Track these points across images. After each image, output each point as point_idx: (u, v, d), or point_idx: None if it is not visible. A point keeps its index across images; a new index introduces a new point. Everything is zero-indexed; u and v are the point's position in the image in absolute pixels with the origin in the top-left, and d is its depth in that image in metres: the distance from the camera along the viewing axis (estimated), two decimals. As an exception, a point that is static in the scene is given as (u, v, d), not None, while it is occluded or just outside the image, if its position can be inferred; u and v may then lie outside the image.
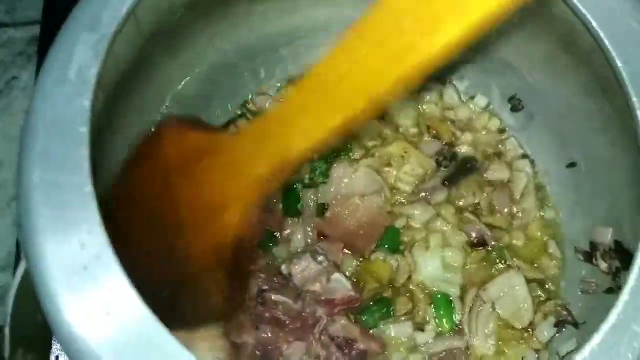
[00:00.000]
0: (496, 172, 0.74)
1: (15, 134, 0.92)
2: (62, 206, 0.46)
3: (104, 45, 0.51)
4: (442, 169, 0.74)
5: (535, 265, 0.72)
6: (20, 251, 0.80)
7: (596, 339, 0.44)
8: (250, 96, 0.78)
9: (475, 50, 0.73)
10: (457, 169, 0.73)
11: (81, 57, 0.50)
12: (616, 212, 0.66)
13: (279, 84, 0.78)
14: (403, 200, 0.73)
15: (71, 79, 0.49)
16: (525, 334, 0.68)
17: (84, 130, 0.48)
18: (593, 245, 0.69)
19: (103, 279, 0.45)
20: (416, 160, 0.73)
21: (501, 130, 0.77)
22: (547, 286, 0.71)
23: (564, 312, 0.68)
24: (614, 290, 0.66)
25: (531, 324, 0.68)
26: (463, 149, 0.75)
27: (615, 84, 0.53)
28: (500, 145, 0.76)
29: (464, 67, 0.77)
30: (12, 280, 0.78)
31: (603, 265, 0.67)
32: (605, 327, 0.45)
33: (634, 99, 0.51)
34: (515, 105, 0.76)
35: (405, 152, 0.73)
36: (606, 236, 0.67)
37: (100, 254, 0.45)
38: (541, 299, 0.70)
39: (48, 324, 0.46)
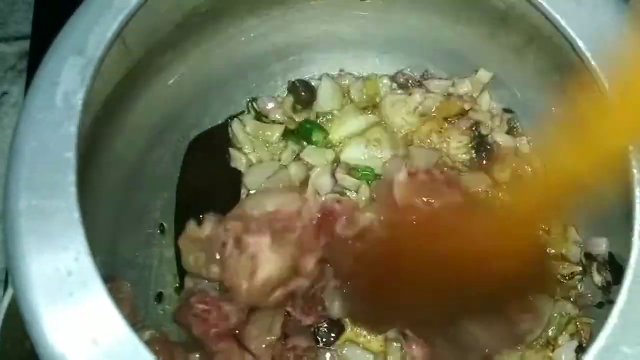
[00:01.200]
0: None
1: (6, 149, 0.92)
2: (49, 232, 0.46)
3: (91, 69, 0.50)
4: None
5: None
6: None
7: (597, 345, 0.44)
8: (246, 104, 0.78)
9: (465, 67, 0.74)
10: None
11: (67, 82, 0.50)
12: (607, 227, 0.66)
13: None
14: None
15: (57, 105, 0.49)
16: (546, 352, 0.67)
17: (71, 155, 0.48)
18: (589, 257, 0.68)
19: (90, 306, 0.45)
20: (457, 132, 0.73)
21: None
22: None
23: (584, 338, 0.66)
24: (604, 304, 0.66)
25: (554, 342, 0.67)
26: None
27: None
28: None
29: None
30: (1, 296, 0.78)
31: (597, 278, 0.67)
32: (594, 350, 0.45)
33: (621, 119, 0.51)
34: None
35: (442, 128, 0.73)
36: (601, 246, 0.66)
37: (86, 281, 0.45)
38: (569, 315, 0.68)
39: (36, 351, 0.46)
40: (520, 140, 0.73)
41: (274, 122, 0.76)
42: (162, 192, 0.73)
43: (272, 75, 0.77)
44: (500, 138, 0.73)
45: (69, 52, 0.51)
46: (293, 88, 0.76)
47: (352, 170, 0.73)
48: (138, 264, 0.69)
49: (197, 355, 0.66)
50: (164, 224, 0.73)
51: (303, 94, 0.76)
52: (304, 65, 0.78)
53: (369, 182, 0.72)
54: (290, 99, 0.77)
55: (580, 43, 0.53)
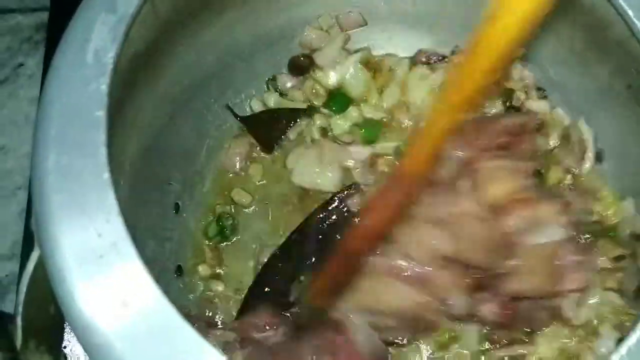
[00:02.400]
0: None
1: (21, 121, 0.91)
2: (78, 192, 0.45)
3: (123, 27, 0.49)
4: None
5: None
6: (26, 240, 0.79)
7: (633, 338, 0.43)
8: (265, 83, 0.77)
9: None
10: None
11: (99, 39, 0.48)
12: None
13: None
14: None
15: (88, 62, 0.48)
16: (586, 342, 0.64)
17: (101, 114, 0.47)
18: (636, 238, 0.65)
19: (120, 267, 0.43)
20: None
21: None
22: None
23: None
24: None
25: (594, 332, 0.64)
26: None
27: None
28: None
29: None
30: (18, 270, 0.77)
31: None
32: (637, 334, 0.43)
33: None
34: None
35: None
36: None
37: (117, 242, 0.44)
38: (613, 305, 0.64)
39: (61, 315, 0.44)
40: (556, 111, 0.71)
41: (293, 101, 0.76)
42: (184, 168, 0.72)
43: (295, 48, 0.75)
44: (535, 105, 0.71)
45: (100, 9, 0.50)
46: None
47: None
48: (158, 235, 0.68)
49: (218, 333, 0.64)
50: (179, 203, 0.71)
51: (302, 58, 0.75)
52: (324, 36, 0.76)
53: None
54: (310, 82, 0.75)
55: (630, 13, 0.51)
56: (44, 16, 0.95)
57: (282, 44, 0.74)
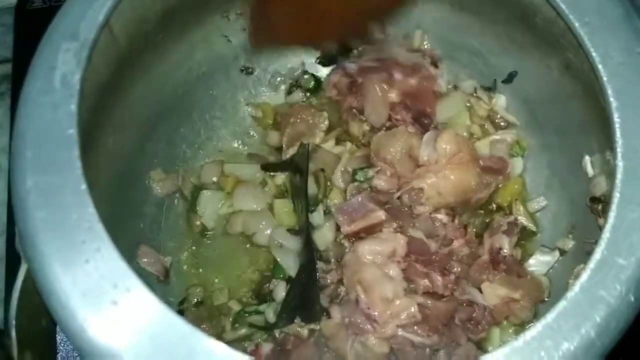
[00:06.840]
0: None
1: (-9, 170, 0.93)
2: (59, 206, 0.48)
3: (86, 52, 0.53)
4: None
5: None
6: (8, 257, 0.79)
7: (585, 275, 0.46)
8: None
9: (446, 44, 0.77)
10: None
11: (64, 65, 0.52)
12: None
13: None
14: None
15: (56, 87, 0.51)
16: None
17: (73, 132, 0.50)
18: (594, 200, 0.63)
19: (105, 268, 0.46)
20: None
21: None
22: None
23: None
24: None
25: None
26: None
27: (579, 59, 0.56)
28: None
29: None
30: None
31: (601, 221, 0.60)
32: (591, 264, 0.47)
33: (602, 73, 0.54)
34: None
35: None
36: (602, 184, 0.61)
37: (100, 247, 0.46)
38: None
39: (52, 326, 0.47)
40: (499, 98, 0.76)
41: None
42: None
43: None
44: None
45: (63, 37, 0.53)
46: None
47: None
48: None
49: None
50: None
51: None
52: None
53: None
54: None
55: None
56: (7, 68, 0.97)
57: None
